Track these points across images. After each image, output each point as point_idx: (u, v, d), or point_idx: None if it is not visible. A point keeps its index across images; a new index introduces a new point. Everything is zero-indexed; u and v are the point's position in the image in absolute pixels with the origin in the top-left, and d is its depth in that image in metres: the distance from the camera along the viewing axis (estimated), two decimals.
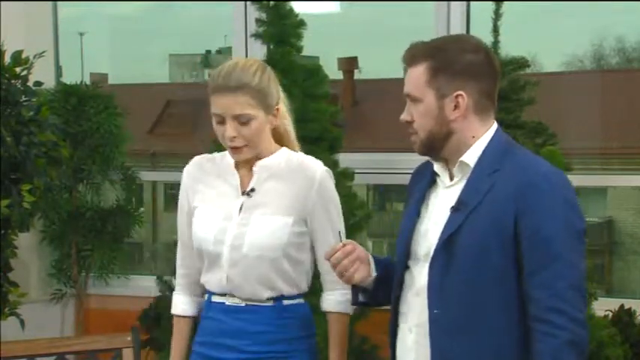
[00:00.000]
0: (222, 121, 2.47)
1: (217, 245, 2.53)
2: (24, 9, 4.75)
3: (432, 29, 4.26)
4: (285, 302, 2.56)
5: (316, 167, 2.56)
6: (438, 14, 4.26)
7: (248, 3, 4.44)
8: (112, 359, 3.12)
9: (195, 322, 2.69)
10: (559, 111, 5.56)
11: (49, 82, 4.71)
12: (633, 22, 5.37)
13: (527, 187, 2.11)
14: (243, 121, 2.45)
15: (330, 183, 2.59)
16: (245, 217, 2.53)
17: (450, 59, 2.17)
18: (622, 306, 3.75)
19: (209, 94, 2.48)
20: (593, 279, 3.40)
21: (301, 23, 3.94)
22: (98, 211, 4.64)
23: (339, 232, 2.45)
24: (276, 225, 2.51)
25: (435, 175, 2.28)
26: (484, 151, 2.20)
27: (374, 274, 2.31)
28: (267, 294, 2.53)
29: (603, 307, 3.64)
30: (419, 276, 2.23)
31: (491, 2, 3.73)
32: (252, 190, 2.54)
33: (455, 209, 2.17)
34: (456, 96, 2.17)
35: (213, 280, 2.56)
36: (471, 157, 2.20)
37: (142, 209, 4.82)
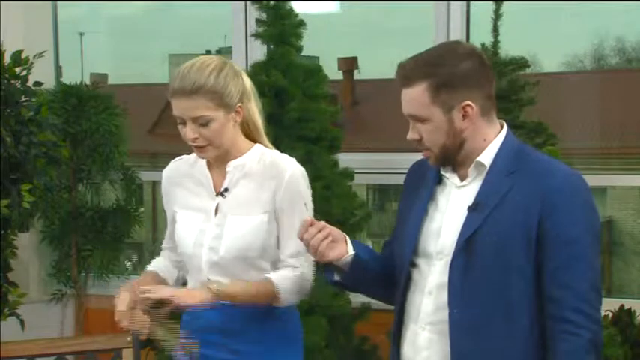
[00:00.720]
0: (182, 123, 2.46)
1: (196, 248, 2.54)
2: (24, 9, 4.75)
3: (431, 29, 4.26)
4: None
5: (287, 165, 2.54)
6: (438, 14, 4.26)
7: (248, 3, 4.44)
8: (112, 359, 3.12)
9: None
10: (559, 111, 5.56)
11: (49, 82, 4.71)
12: (633, 22, 5.37)
13: (550, 189, 2.14)
14: (202, 122, 2.44)
15: (301, 180, 2.54)
16: (221, 217, 2.53)
17: (448, 72, 2.16)
18: (622, 306, 3.75)
19: (168, 97, 2.47)
20: None
21: (301, 23, 3.94)
22: (98, 211, 4.65)
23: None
24: (251, 225, 2.51)
25: (440, 175, 2.29)
26: (498, 152, 2.22)
27: (351, 252, 2.28)
28: None
29: (603, 307, 3.60)
30: (431, 274, 2.24)
31: (491, 2, 3.73)
32: (226, 190, 2.54)
33: (472, 209, 2.18)
34: (464, 106, 2.17)
35: (195, 285, 2.55)
36: (487, 157, 2.22)
37: (141, 209, 4.82)
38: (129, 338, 3.05)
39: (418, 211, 2.28)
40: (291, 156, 2.60)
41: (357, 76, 6.54)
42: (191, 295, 2.44)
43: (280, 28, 3.90)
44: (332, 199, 3.73)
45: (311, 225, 2.24)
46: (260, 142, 2.60)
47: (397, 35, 5.75)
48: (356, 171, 3.97)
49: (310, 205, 2.55)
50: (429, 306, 2.23)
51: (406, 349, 2.29)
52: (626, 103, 6.15)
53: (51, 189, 4.40)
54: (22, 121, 3.90)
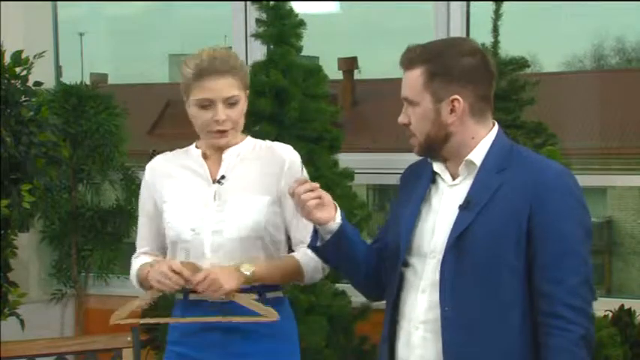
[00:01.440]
0: (208, 106, 2.50)
1: (196, 234, 2.54)
2: (24, 9, 4.75)
3: (431, 29, 4.26)
4: (268, 295, 2.56)
5: (286, 148, 2.62)
6: (438, 14, 4.26)
7: (248, 3, 4.44)
8: (112, 359, 3.12)
9: None
10: (559, 111, 5.57)
11: (49, 82, 4.71)
12: (633, 22, 5.37)
13: (541, 185, 2.15)
14: (231, 102, 2.51)
15: (300, 164, 2.61)
16: (221, 203, 2.55)
17: (447, 64, 2.19)
18: (622, 306, 3.75)
19: (190, 81, 2.51)
20: (594, 279, 3.40)
21: (301, 23, 3.94)
22: (98, 211, 4.64)
23: None
24: (254, 205, 2.54)
25: (434, 174, 2.29)
26: (489, 150, 2.23)
27: (338, 221, 2.29)
28: None
29: (603, 307, 3.64)
30: (424, 273, 2.24)
31: (491, 2, 3.73)
32: (223, 177, 2.57)
33: (463, 207, 2.19)
34: (452, 100, 2.19)
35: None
36: (477, 155, 2.23)
37: None
38: (129, 338, 3.05)
39: (412, 211, 2.29)
40: None
41: (357, 76, 6.54)
42: (227, 279, 2.44)
43: (280, 28, 3.89)
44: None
45: (304, 182, 2.28)
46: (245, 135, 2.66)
47: (397, 35, 5.75)
48: (356, 171, 3.97)
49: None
50: (422, 305, 2.24)
51: (400, 348, 2.30)
52: (625, 103, 6.16)
53: (51, 189, 4.40)
54: (22, 121, 3.90)
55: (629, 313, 3.72)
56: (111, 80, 6.67)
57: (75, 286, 4.70)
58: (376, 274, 2.38)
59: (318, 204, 2.25)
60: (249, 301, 2.49)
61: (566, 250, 2.13)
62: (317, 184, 2.28)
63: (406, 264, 2.29)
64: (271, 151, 2.61)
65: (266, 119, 3.77)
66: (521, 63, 3.73)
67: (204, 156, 2.62)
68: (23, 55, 3.95)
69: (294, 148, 2.66)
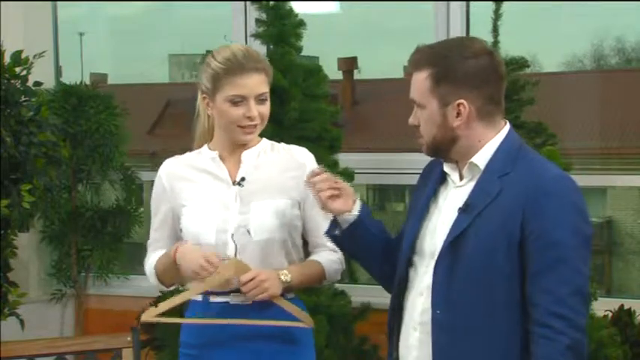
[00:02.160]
0: (240, 102, 2.50)
1: (220, 236, 2.52)
2: (24, 9, 4.75)
3: (431, 29, 4.26)
4: (288, 297, 2.57)
5: (305, 152, 2.64)
6: (438, 14, 4.26)
7: (248, 3, 4.43)
8: (112, 359, 3.12)
9: None
10: (559, 111, 5.57)
11: (49, 82, 4.71)
12: (633, 22, 5.37)
13: (536, 190, 2.12)
14: (262, 98, 2.54)
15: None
16: (244, 205, 2.54)
17: (452, 67, 2.17)
18: (622, 306, 3.75)
19: (220, 76, 2.49)
20: (594, 279, 3.40)
21: (301, 23, 3.93)
22: (98, 211, 4.64)
23: None
24: (277, 206, 2.54)
25: (444, 173, 2.29)
26: (495, 154, 2.21)
27: (355, 212, 2.33)
28: None
29: (603, 307, 3.64)
30: (423, 275, 2.24)
31: (491, 2, 3.73)
32: (243, 179, 2.55)
33: (462, 210, 2.18)
34: (458, 104, 2.17)
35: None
36: (482, 158, 2.21)
37: (141, 209, 4.81)
38: (129, 338, 3.05)
39: (421, 209, 2.30)
40: None
41: (357, 76, 6.54)
42: (273, 282, 2.46)
43: (280, 28, 3.89)
44: None
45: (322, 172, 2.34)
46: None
47: (397, 35, 5.75)
48: (356, 171, 3.97)
49: None
50: (420, 306, 2.23)
51: (402, 348, 2.30)
52: (625, 103, 6.16)
53: (51, 189, 4.39)
54: (22, 121, 3.89)
55: (629, 313, 3.72)
56: (111, 80, 6.67)
57: (75, 286, 4.70)
58: (394, 268, 2.36)
59: (334, 195, 2.29)
60: (290, 305, 2.51)
61: (558, 258, 2.08)
62: (333, 177, 2.32)
63: (410, 263, 2.29)
64: (290, 153, 2.63)
65: None
66: (521, 63, 3.73)
67: (221, 157, 2.60)
68: (23, 55, 3.95)
69: None
